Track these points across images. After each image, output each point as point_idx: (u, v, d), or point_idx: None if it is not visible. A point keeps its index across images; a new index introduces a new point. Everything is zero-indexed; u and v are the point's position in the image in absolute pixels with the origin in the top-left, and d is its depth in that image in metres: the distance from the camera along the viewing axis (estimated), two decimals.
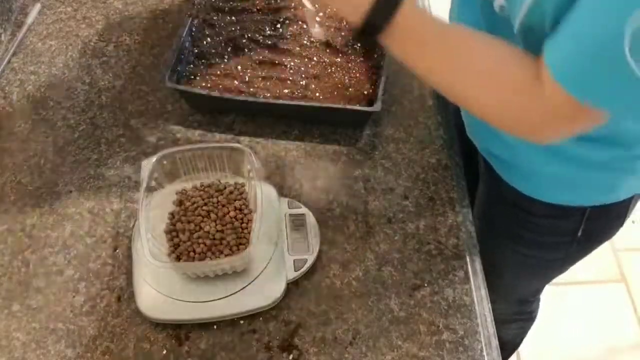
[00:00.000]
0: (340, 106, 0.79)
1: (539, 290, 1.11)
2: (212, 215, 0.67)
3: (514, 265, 0.93)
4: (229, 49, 0.88)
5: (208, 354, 0.63)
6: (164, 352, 0.63)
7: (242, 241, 0.65)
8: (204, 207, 0.67)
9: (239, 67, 0.85)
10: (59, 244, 0.72)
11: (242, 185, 0.70)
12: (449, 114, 0.85)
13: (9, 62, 0.91)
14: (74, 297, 0.67)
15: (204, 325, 0.65)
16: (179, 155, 0.69)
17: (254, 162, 0.66)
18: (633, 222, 1.78)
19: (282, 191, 0.75)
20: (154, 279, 0.64)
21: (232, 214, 0.67)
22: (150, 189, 0.66)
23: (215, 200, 0.68)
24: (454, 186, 0.76)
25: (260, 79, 0.84)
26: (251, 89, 0.82)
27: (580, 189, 0.74)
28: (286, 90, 0.82)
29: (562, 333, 1.58)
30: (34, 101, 0.86)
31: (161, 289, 0.64)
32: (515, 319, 1.18)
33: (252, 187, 0.66)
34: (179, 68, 0.84)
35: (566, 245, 0.84)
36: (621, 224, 0.81)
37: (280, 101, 0.80)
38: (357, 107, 0.78)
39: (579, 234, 0.80)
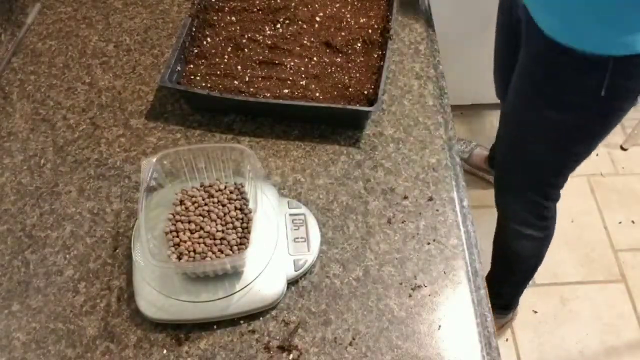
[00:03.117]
0: (340, 106, 0.79)
1: (555, 186, 1.14)
2: (213, 215, 0.67)
3: (537, 132, 1.00)
4: (229, 49, 0.88)
5: (208, 354, 0.63)
6: (164, 352, 0.63)
7: (242, 241, 0.65)
8: (205, 207, 0.68)
9: (239, 67, 0.85)
10: (59, 244, 0.72)
11: (242, 185, 0.70)
12: (449, 114, 0.85)
13: (9, 62, 0.91)
14: (74, 297, 0.67)
15: (203, 326, 0.65)
16: (179, 155, 0.69)
17: (254, 162, 0.66)
18: (633, 222, 1.78)
19: (282, 191, 0.75)
20: (154, 279, 0.64)
21: (232, 213, 0.67)
22: (150, 189, 0.66)
23: (215, 200, 0.68)
24: (454, 186, 0.77)
25: (260, 79, 0.84)
26: (251, 89, 0.82)
27: (611, 31, 0.77)
28: (286, 90, 0.82)
29: (562, 332, 1.58)
30: (34, 101, 0.86)
31: (161, 289, 0.64)
32: (530, 224, 1.21)
33: (252, 187, 0.66)
34: (178, 68, 0.84)
35: (588, 105, 0.89)
36: (633, 88, 0.86)
37: (281, 101, 0.80)
38: (357, 107, 0.78)
39: (602, 92, 0.84)
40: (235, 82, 0.83)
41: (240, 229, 0.66)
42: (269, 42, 0.88)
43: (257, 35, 0.89)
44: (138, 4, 1.00)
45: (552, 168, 1.11)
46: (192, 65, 0.86)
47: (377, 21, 0.91)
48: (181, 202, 0.68)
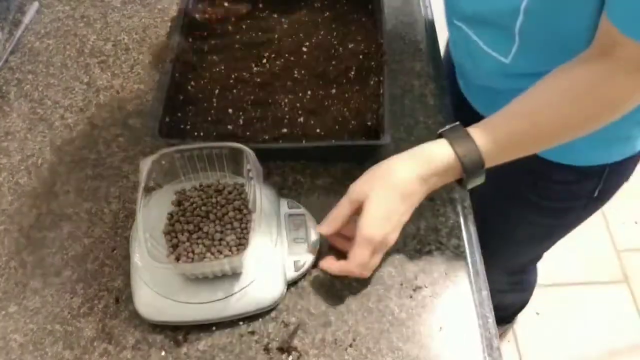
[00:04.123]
0: (349, 143, 0.75)
1: (535, 260, 1.13)
2: (211, 216, 0.66)
3: (520, 233, 0.96)
4: (216, 92, 0.81)
5: (207, 356, 0.63)
6: (162, 353, 0.63)
7: (241, 242, 0.65)
8: (203, 208, 0.67)
9: (231, 111, 0.78)
10: (56, 245, 0.71)
11: (242, 185, 0.69)
12: (450, 108, 0.84)
13: (6, 61, 0.91)
14: (71, 298, 0.67)
15: (202, 327, 0.64)
16: (177, 155, 0.68)
17: (253, 162, 0.65)
18: (636, 222, 1.78)
19: (281, 191, 0.75)
20: (152, 280, 0.64)
21: (231, 214, 0.66)
22: (148, 189, 0.66)
23: (214, 200, 0.68)
24: (455, 186, 0.76)
25: (255, 120, 0.77)
26: (247, 133, 0.76)
27: (604, 143, 0.75)
28: (285, 130, 0.76)
29: (565, 333, 1.57)
30: (32, 100, 0.86)
31: (159, 290, 0.63)
32: (511, 289, 1.20)
33: (252, 187, 0.66)
34: (167, 119, 0.76)
35: (579, 208, 0.87)
36: (627, 179, 0.85)
37: (282, 145, 0.75)
38: (366, 142, 0.75)
39: (595, 194, 0.82)
40: (230, 127, 0.76)
41: (239, 230, 0.65)
42: (258, 80, 0.81)
43: (245, 74, 0.82)
44: (136, 3, 0.99)
45: (536, 255, 1.10)
46: (179, 114, 0.78)
47: (367, 45, 0.86)
48: (179, 203, 0.68)
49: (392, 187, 0.60)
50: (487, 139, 0.60)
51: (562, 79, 0.60)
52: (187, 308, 0.63)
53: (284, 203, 0.71)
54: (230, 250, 0.64)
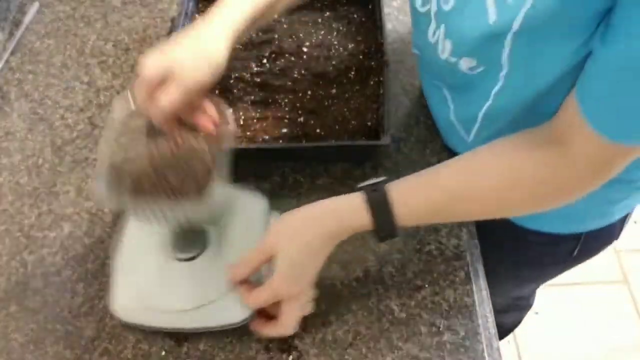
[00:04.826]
0: (349, 143, 0.75)
1: (536, 289, 1.13)
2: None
3: (509, 278, 0.96)
4: (216, 92, 0.81)
5: (207, 355, 0.63)
6: (163, 353, 0.63)
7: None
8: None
9: (231, 110, 0.77)
10: (57, 245, 0.71)
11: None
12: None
13: (7, 61, 0.91)
14: (72, 298, 0.67)
15: None
16: None
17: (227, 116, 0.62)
18: (635, 222, 1.78)
19: (281, 191, 0.75)
20: (133, 282, 0.63)
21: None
22: None
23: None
24: None
25: (255, 120, 0.78)
26: (248, 133, 0.77)
27: (576, 218, 0.75)
28: (285, 130, 0.77)
29: (564, 333, 1.58)
30: (32, 100, 0.86)
31: (142, 293, 0.63)
32: (511, 309, 1.20)
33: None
34: None
35: (562, 262, 0.86)
36: (616, 237, 0.83)
37: (282, 145, 0.75)
38: (366, 142, 0.75)
39: (575, 253, 0.81)
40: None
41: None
42: (258, 80, 0.82)
43: (245, 74, 0.82)
44: (136, 3, 0.99)
45: (533, 288, 1.10)
46: None
47: (367, 45, 0.86)
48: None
49: (301, 249, 0.58)
50: (404, 202, 0.57)
51: (502, 160, 0.56)
52: (183, 316, 0.62)
53: (275, 215, 0.69)
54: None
